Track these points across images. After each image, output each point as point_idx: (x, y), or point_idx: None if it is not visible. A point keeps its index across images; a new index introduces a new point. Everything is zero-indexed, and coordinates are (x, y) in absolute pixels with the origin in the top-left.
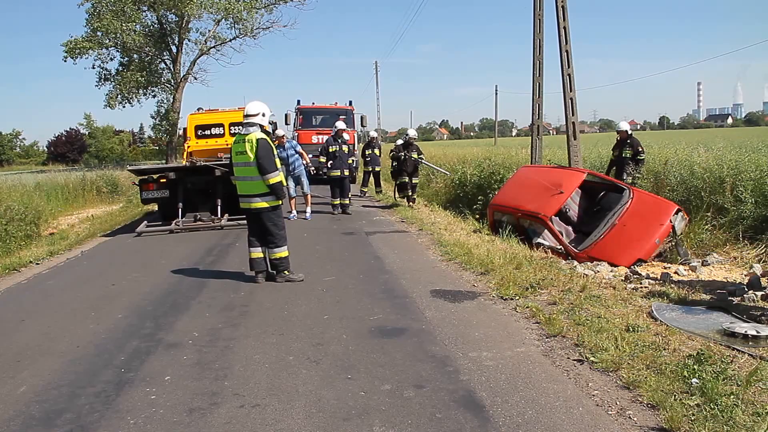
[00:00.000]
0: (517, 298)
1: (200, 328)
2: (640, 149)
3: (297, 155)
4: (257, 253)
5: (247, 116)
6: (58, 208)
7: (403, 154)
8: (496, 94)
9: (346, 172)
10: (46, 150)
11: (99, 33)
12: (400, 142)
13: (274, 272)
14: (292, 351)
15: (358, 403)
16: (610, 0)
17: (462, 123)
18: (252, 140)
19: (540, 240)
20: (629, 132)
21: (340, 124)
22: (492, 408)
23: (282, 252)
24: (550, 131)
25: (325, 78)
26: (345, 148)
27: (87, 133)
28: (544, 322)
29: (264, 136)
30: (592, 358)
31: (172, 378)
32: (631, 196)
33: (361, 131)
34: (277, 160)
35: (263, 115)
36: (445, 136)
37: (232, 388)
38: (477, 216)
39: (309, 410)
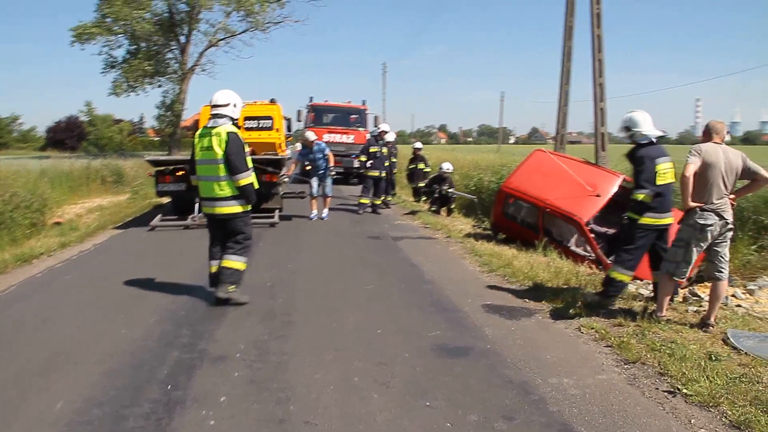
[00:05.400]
0: (577, 317)
1: (244, 339)
2: None
3: (323, 157)
4: (217, 266)
5: (215, 107)
6: (62, 196)
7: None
8: (502, 101)
9: (384, 174)
10: (45, 136)
11: (108, 19)
12: (418, 145)
13: (218, 282)
14: (354, 371)
15: None
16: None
17: (461, 128)
18: (221, 134)
19: (572, 246)
20: None
21: (384, 126)
22: None
23: (239, 263)
24: (549, 140)
25: (332, 76)
26: (385, 150)
27: (87, 120)
28: (617, 346)
29: (235, 129)
30: (685, 390)
31: (228, 399)
32: None
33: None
34: (249, 159)
35: (234, 105)
36: (444, 140)
37: (300, 414)
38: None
39: None
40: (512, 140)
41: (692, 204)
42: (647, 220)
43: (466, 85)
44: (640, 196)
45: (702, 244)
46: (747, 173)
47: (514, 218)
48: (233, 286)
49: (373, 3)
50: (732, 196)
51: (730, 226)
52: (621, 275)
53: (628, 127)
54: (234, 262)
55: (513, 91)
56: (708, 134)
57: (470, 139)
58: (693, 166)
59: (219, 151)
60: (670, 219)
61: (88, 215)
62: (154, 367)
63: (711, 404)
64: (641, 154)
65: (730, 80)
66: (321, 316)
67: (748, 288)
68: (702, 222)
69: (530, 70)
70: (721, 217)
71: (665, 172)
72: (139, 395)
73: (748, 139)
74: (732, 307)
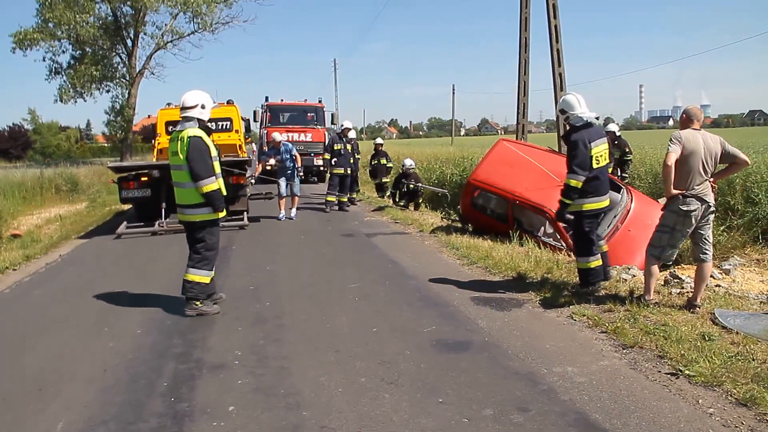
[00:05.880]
0: (566, 305)
1: (240, 346)
2: (627, 150)
3: (290, 158)
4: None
5: (183, 109)
6: (17, 207)
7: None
8: (453, 93)
9: (349, 171)
10: None
11: (51, 24)
12: (379, 141)
13: (183, 301)
14: (359, 371)
15: None
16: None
17: (411, 122)
18: (183, 138)
19: (542, 237)
20: (617, 133)
21: (347, 123)
22: None
23: (201, 276)
24: (499, 131)
25: (283, 76)
26: (349, 147)
27: (31, 129)
28: (612, 331)
29: (198, 133)
30: (687, 372)
31: (237, 409)
32: (631, 197)
33: (338, 128)
34: (216, 164)
35: (203, 107)
36: (394, 135)
37: (315, 418)
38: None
39: None
40: (462, 132)
41: (675, 192)
42: (590, 205)
43: (414, 79)
44: (572, 182)
45: (687, 229)
46: (726, 157)
47: (483, 209)
48: (199, 302)
49: (319, 2)
50: (712, 179)
51: (712, 208)
52: (591, 263)
53: (563, 110)
54: (193, 275)
55: (460, 82)
56: (687, 120)
57: (421, 133)
58: (674, 155)
59: (182, 156)
60: (608, 201)
61: (47, 226)
62: (152, 380)
63: (714, 384)
64: (575, 138)
65: (671, 66)
66: (312, 318)
67: (724, 268)
68: (685, 208)
69: (476, 62)
70: (703, 201)
71: (600, 154)
72: (142, 410)
73: None
74: (712, 288)
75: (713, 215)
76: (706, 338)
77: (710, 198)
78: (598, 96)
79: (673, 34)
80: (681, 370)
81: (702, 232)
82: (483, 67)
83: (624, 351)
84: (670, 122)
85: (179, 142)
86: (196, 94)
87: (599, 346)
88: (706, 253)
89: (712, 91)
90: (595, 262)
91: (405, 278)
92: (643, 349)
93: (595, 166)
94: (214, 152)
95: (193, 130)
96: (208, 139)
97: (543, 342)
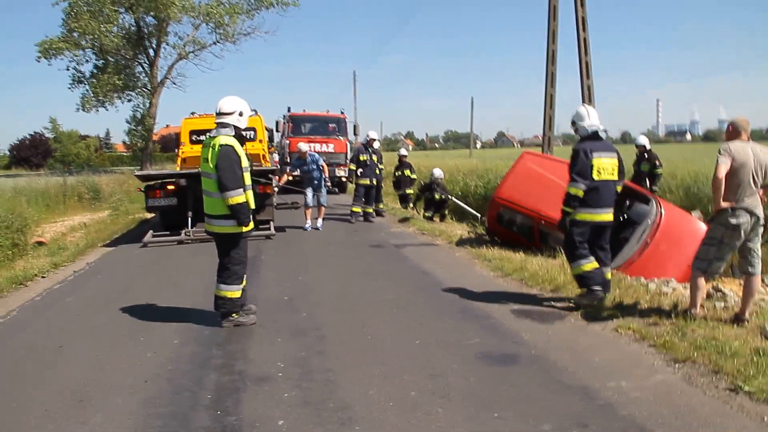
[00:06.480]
0: (610, 318)
1: (282, 357)
2: (657, 163)
3: (317, 168)
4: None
5: (219, 115)
6: (40, 215)
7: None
8: (472, 106)
9: (375, 181)
10: (8, 154)
11: (76, 33)
12: (403, 152)
13: (218, 313)
14: (408, 385)
15: None
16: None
17: (427, 134)
18: (215, 146)
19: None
20: (647, 147)
21: (372, 134)
22: None
23: (231, 291)
24: (515, 144)
25: (302, 87)
26: (375, 157)
27: (52, 137)
28: (661, 345)
29: (231, 142)
30: (746, 388)
31: (287, 423)
32: (661, 210)
33: (364, 139)
34: (247, 176)
35: (240, 114)
36: (411, 147)
37: None
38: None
39: None
40: (479, 145)
41: (724, 204)
42: (582, 216)
43: (429, 92)
44: (572, 190)
45: (735, 242)
46: None
47: (509, 225)
48: (235, 314)
49: (340, 14)
50: (761, 191)
51: (762, 221)
52: (583, 267)
53: (574, 121)
54: (224, 291)
55: (476, 95)
56: (734, 132)
57: (437, 145)
58: (724, 167)
59: (211, 165)
60: (607, 216)
61: (72, 234)
62: (195, 392)
63: None
64: (577, 148)
65: (688, 81)
66: (353, 330)
67: (767, 282)
68: (734, 221)
69: (492, 75)
70: (753, 214)
71: (603, 167)
72: (189, 423)
73: (708, 137)
74: (758, 302)
75: (762, 228)
76: (761, 353)
77: (759, 210)
78: (614, 110)
79: (691, 49)
80: (740, 386)
81: (750, 245)
82: (499, 80)
83: (676, 366)
84: (687, 137)
85: (210, 149)
86: (234, 100)
87: (650, 360)
88: (754, 266)
89: (730, 105)
90: (588, 265)
91: (440, 290)
92: (696, 363)
93: (595, 177)
94: (245, 163)
95: (225, 138)
96: (240, 149)
97: (591, 356)
